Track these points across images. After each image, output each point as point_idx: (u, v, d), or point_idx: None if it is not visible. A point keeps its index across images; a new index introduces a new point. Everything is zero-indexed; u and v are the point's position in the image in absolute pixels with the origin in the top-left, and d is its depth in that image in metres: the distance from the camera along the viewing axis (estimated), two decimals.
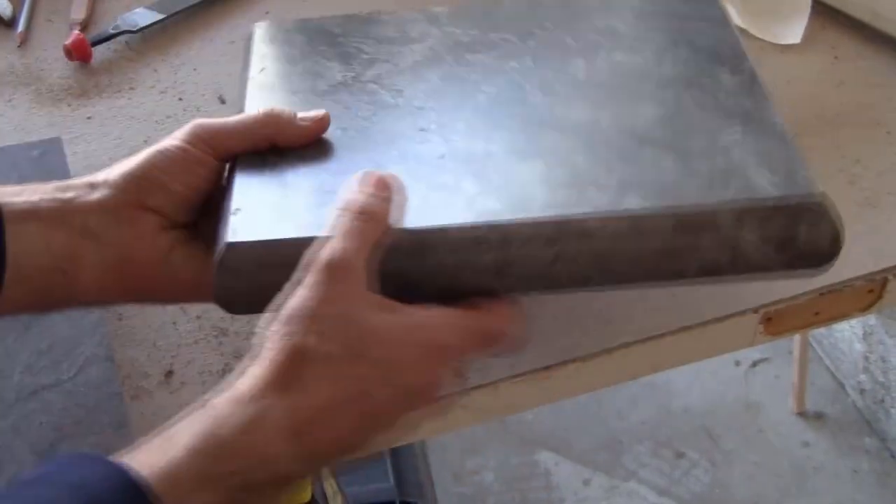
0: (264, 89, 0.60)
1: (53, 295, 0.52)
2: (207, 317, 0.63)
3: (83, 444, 0.55)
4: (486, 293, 0.48)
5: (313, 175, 0.53)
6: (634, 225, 0.47)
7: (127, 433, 0.56)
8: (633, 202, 0.48)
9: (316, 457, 0.44)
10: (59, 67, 0.83)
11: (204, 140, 0.53)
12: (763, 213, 0.47)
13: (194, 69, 0.82)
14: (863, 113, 0.74)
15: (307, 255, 0.46)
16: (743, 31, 0.78)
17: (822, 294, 0.63)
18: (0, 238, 0.50)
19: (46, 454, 0.55)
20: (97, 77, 0.82)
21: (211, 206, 0.54)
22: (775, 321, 0.63)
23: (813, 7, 0.80)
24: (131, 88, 0.81)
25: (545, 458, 1.53)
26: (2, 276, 0.50)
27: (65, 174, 0.71)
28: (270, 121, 0.55)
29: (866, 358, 1.50)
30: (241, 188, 0.52)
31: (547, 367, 0.60)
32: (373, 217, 0.47)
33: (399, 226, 0.48)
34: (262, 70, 0.62)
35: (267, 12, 0.88)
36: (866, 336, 1.49)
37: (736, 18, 0.65)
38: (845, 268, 0.63)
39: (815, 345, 1.62)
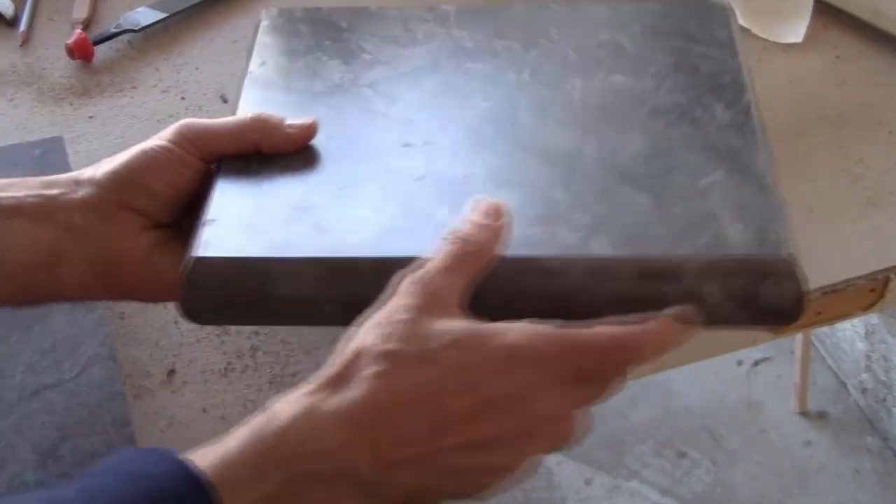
0: (261, 86, 0.61)
1: (37, 291, 0.52)
2: None
3: (85, 443, 0.55)
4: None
5: (291, 188, 0.53)
6: (599, 270, 0.47)
7: (129, 432, 0.56)
8: (601, 247, 0.48)
9: (387, 462, 0.42)
10: (60, 66, 0.83)
11: (190, 140, 0.54)
12: (727, 269, 0.47)
13: (196, 68, 0.82)
14: (865, 112, 0.74)
15: (399, 273, 0.46)
16: (745, 30, 0.78)
17: (824, 293, 0.63)
18: None
19: (49, 454, 0.55)
20: (99, 76, 0.82)
21: (196, 205, 0.54)
22: None
23: (815, 6, 0.80)
24: (133, 88, 0.81)
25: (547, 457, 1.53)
26: None
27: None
28: (258, 126, 0.55)
29: (868, 357, 1.50)
30: (220, 196, 0.53)
31: None
32: (477, 249, 0.47)
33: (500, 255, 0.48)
34: (262, 64, 0.62)
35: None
36: (868, 335, 1.49)
37: (738, 18, 0.65)
38: (847, 267, 0.63)
39: (817, 344, 1.62)
